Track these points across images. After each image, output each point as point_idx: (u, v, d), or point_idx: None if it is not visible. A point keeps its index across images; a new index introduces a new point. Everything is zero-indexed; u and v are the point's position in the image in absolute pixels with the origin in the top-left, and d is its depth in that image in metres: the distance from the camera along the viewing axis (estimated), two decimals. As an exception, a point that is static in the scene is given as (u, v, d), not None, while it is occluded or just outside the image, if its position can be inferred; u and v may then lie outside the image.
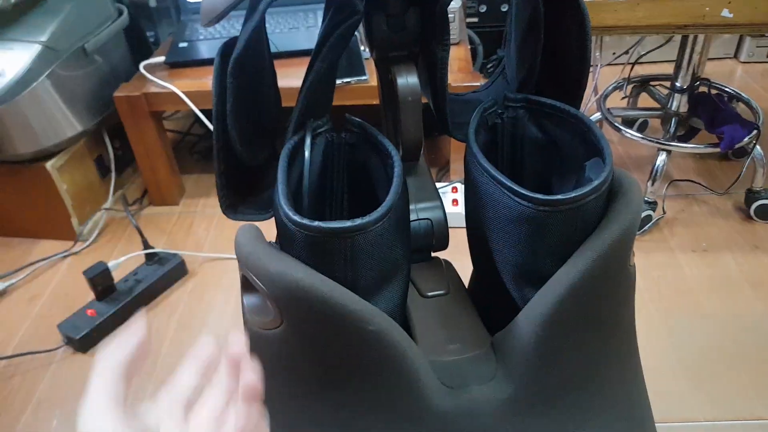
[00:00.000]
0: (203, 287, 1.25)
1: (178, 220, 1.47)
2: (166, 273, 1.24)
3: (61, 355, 1.11)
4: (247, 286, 0.60)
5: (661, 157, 1.31)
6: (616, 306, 0.61)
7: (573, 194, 0.54)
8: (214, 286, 1.25)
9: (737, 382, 0.99)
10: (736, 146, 1.28)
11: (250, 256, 0.56)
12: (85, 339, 1.11)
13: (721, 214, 1.38)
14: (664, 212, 1.37)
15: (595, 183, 0.55)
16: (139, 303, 1.20)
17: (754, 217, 1.35)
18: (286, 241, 0.56)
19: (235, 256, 1.36)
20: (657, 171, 1.30)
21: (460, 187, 1.41)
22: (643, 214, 1.31)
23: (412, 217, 0.74)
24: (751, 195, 1.35)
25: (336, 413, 0.59)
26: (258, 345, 0.61)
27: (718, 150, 1.29)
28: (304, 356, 0.57)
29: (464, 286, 0.74)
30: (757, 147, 1.30)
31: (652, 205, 1.32)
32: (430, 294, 0.71)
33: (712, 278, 1.20)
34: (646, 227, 1.32)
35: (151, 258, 1.26)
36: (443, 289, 0.71)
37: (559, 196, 0.54)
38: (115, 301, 1.17)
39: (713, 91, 1.39)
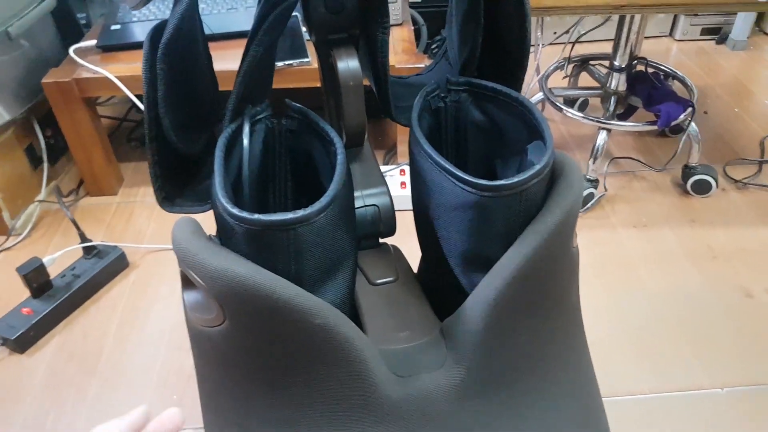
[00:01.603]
0: (146, 280, 1.21)
1: (117, 210, 1.41)
2: (105, 267, 1.19)
3: (-4, 357, 1.06)
4: (187, 282, 0.58)
5: (602, 136, 1.33)
6: (561, 287, 0.61)
7: (515, 179, 0.54)
8: (158, 278, 1.21)
9: (679, 353, 1.02)
10: (673, 123, 1.32)
11: (187, 252, 0.54)
12: (21, 339, 1.06)
13: (660, 189, 1.42)
14: (606, 189, 1.40)
15: (537, 167, 0.55)
16: (79, 299, 1.16)
17: (691, 192, 1.39)
18: (225, 234, 0.54)
19: (177, 248, 1.27)
20: (598, 149, 1.33)
21: (408, 169, 1.41)
22: (586, 192, 1.33)
23: (358, 203, 0.73)
24: (688, 170, 1.39)
25: (285, 409, 0.58)
26: (201, 343, 0.60)
27: (655, 127, 1.33)
28: (249, 353, 0.55)
29: (413, 272, 0.73)
30: (692, 124, 1.34)
31: (594, 182, 1.35)
32: (378, 281, 0.70)
33: (652, 252, 1.24)
34: (588, 205, 1.35)
35: (89, 251, 1.21)
36: (392, 276, 0.71)
37: (502, 182, 0.54)
38: (52, 298, 1.12)
39: (650, 70, 1.42)
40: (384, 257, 0.74)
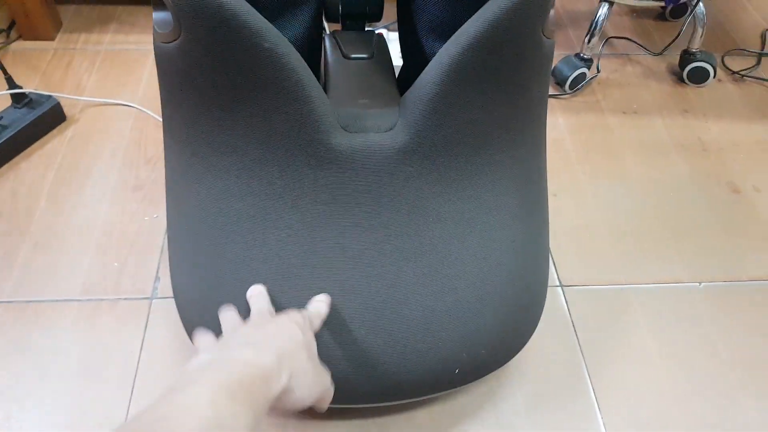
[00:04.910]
0: (86, 136, 1.08)
1: (54, 58, 1.24)
2: (38, 117, 1.05)
3: None
4: (156, 1, 0.56)
5: (603, 9, 1.21)
6: (525, 73, 0.60)
7: None
8: (100, 134, 1.08)
9: (659, 246, 0.97)
10: (681, 1, 1.20)
11: None
12: (-60, 192, 0.94)
13: (654, 76, 1.32)
14: (599, 71, 1.30)
15: None
16: (7, 152, 1.02)
17: (687, 81, 1.30)
18: None
19: (123, 102, 1.22)
20: (596, 24, 1.20)
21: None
22: (578, 72, 1.23)
23: None
24: (687, 57, 1.29)
25: (233, 133, 0.58)
26: (162, 62, 0.60)
27: (662, 3, 1.20)
28: (201, 70, 0.56)
29: (389, 55, 0.72)
30: (701, 4, 1.22)
31: (588, 62, 1.24)
32: (353, 56, 0.70)
33: (641, 141, 1.16)
34: (580, 85, 1.25)
35: (19, 100, 1.06)
36: (366, 54, 0.70)
37: None
38: (-24, 149, 0.99)
39: (662, -61, 1.27)
40: (365, 38, 0.73)
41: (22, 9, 1.25)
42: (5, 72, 1.04)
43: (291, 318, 0.50)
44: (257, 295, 0.56)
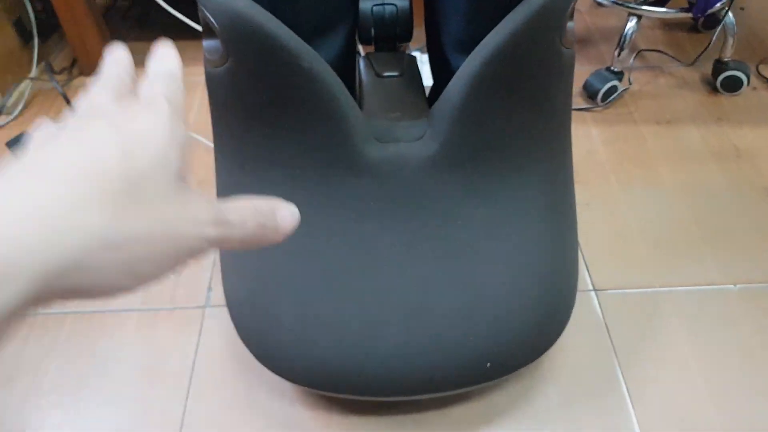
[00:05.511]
0: (143, 161, 1.16)
1: (113, 91, 1.34)
2: (100, 146, 1.14)
3: (-12, 233, 1.03)
4: (206, 31, 0.62)
5: (632, 23, 1.24)
6: (545, 83, 0.64)
7: None
8: (155, 160, 1.16)
9: (693, 250, 0.98)
10: (709, 12, 1.22)
11: None
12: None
13: (688, 86, 1.34)
14: (630, 83, 1.32)
15: None
16: (72, 178, 1.11)
17: (720, 90, 1.31)
18: None
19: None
20: (626, 38, 1.23)
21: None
22: (609, 85, 1.25)
23: (377, 0, 0.76)
24: (719, 66, 1.30)
25: (276, 146, 0.63)
26: (212, 85, 0.66)
27: (689, 15, 1.22)
28: (247, 90, 0.61)
29: (419, 73, 0.77)
30: (729, 14, 1.24)
31: (619, 75, 1.26)
32: (384, 74, 0.75)
33: (675, 150, 1.18)
34: (611, 98, 1.27)
35: (82, 130, 1.15)
36: (397, 72, 0.75)
37: None
38: (45, 176, 1.08)
39: (689, -47, 1.30)
40: (396, 57, 0.78)
41: (83, 48, 1.36)
42: (70, 105, 1.13)
43: (117, 119, 0.26)
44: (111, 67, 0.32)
